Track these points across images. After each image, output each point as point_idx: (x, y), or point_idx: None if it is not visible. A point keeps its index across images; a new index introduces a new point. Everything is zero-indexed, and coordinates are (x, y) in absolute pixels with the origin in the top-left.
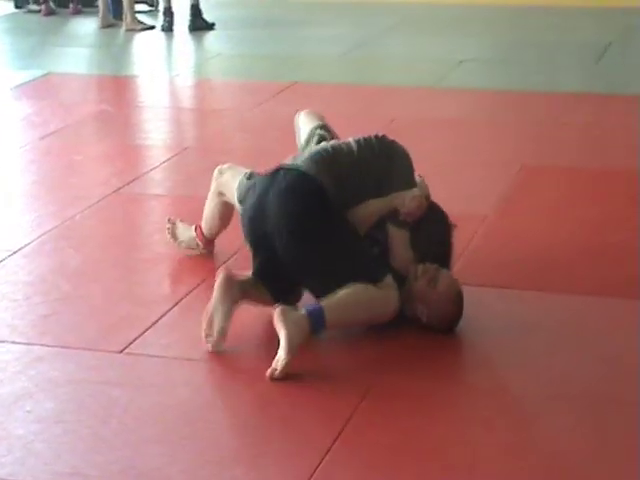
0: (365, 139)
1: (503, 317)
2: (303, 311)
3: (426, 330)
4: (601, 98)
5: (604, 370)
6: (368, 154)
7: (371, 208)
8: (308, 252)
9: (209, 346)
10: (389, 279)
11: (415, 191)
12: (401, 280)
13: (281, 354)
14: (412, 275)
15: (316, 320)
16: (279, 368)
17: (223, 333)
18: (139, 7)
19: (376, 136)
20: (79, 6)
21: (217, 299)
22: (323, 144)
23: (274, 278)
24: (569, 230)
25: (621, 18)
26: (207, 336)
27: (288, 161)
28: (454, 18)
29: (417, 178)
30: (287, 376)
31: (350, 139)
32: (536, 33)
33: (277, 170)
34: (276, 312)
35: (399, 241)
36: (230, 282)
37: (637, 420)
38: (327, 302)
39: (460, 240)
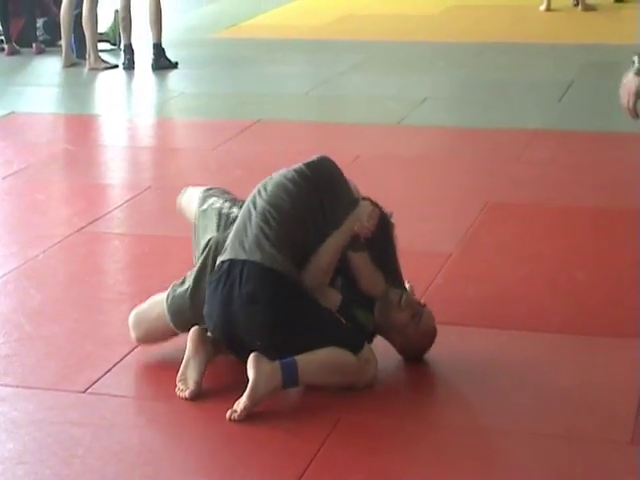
0: (293, 182)
1: (467, 355)
2: (277, 363)
3: (393, 367)
4: (563, 135)
5: (568, 407)
6: (305, 198)
7: (333, 247)
8: (287, 344)
9: (185, 394)
10: (368, 351)
11: (364, 207)
12: (371, 301)
13: (243, 398)
14: (393, 302)
15: (289, 374)
16: (238, 411)
17: (198, 386)
18: (101, 46)
19: (299, 171)
20: (42, 45)
21: (190, 353)
22: (256, 212)
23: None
24: (533, 267)
25: (581, 55)
26: (180, 389)
27: (230, 245)
28: (417, 56)
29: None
30: (252, 413)
31: (275, 189)
32: (499, 71)
33: (229, 266)
34: (250, 358)
35: (362, 264)
36: (203, 337)
37: (605, 456)
38: (302, 358)
39: (423, 278)
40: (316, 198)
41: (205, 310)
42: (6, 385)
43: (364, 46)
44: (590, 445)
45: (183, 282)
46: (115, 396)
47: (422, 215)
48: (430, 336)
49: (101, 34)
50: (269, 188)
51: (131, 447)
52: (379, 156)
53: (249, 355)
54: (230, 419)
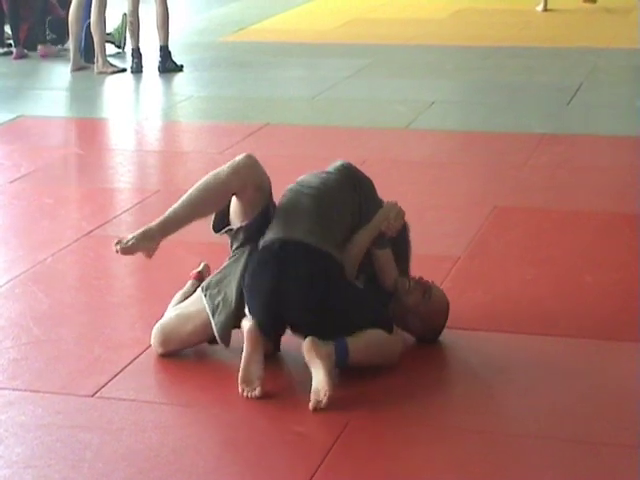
0: (337, 177)
1: (476, 359)
2: (331, 345)
3: (402, 371)
4: (572, 138)
5: (576, 410)
6: (349, 192)
7: (361, 243)
8: (337, 320)
9: (255, 394)
10: (397, 331)
11: (391, 206)
12: (388, 297)
13: (322, 385)
14: (402, 289)
15: (341, 355)
16: (324, 399)
17: (263, 382)
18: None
19: (339, 170)
20: (50, 45)
21: (250, 351)
22: (306, 198)
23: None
24: (541, 271)
25: (589, 58)
26: (245, 390)
27: (278, 225)
28: (425, 59)
29: None
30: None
31: (322, 182)
32: (508, 74)
33: (282, 246)
34: (306, 343)
35: (388, 261)
36: (259, 334)
37: (613, 460)
38: (351, 339)
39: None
40: (356, 193)
41: (248, 287)
42: (14, 389)
43: (372, 50)
44: (598, 449)
45: (219, 292)
46: (124, 400)
47: (430, 219)
48: (443, 311)
49: (107, 34)
50: (316, 184)
51: (140, 451)
52: (387, 160)
53: (285, 333)
54: (317, 409)
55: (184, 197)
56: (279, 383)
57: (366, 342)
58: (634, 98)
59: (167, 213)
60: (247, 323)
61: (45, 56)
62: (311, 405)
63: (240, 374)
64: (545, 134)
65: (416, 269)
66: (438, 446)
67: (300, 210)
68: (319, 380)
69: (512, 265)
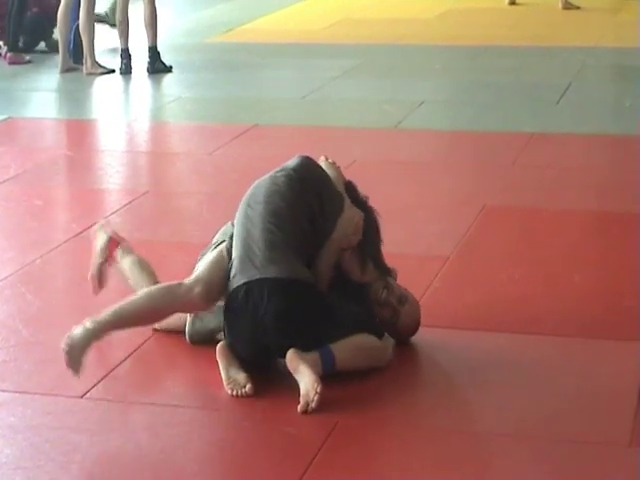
0: (286, 186)
1: (465, 358)
2: (316, 353)
3: (390, 371)
4: (561, 138)
5: (566, 409)
6: (301, 201)
7: (325, 261)
8: (323, 342)
9: (245, 391)
10: (387, 336)
11: (348, 221)
12: (359, 294)
13: (311, 387)
14: (376, 296)
15: (327, 362)
16: (315, 399)
17: (249, 379)
18: (100, 27)
19: (288, 175)
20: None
21: (226, 365)
22: (255, 226)
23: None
24: (530, 270)
25: (578, 57)
26: (234, 390)
27: (238, 268)
28: (414, 60)
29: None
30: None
31: (270, 198)
32: (496, 74)
33: (246, 291)
34: (289, 355)
35: (349, 259)
36: (229, 350)
37: (603, 459)
38: (336, 346)
39: (421, 282)
40: (311, 199)
41: (230, 339)
42: (3, 391)
43: (360, 50)
44: (588, 448)
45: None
46: (112, 401)
47: (419, 219)
48: (407, 334)
49: (98, 15)
50: (261, 198)
51: (129, 452)
52: (376, 160)
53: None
54: (306, 411)
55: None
56: (267, 384)
57: (352, 346)
58: (623, 97)
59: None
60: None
61: (13, 64)
62: (300, 408)
63: (224, 379)
64: (534, 133)
65: (405, 269)
66: (427, 446)
67: (254, 241)
68: (306, 382)
69: (501, 264)
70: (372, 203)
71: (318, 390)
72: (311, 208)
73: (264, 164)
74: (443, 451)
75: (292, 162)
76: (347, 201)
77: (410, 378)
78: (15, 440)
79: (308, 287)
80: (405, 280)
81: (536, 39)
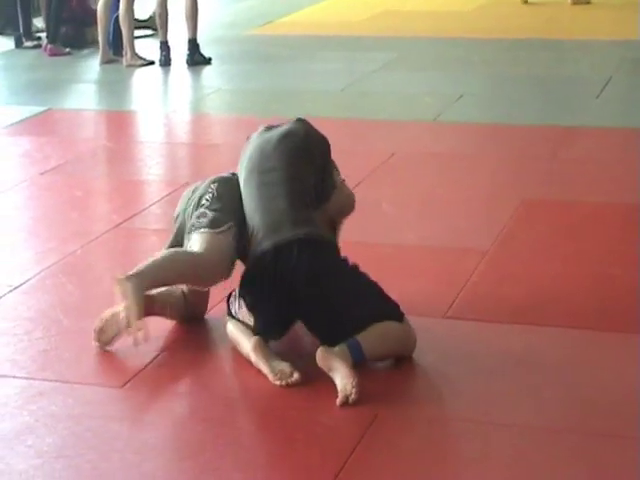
0: (299, 149)
1: (503, 352)
2: (343, 345)
3: (430, 363)
4: (601, 131)
5: (601, 402)
6: (314, 162)
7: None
8: (349, 313)
9: (293, 379)
10: (407, 319)
11: (348, 194)
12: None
13: (346, 381)
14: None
15: (356, 352)
16: (354, 392)
17: (295, 372)
18: (144, 32)
19: (297, 137)
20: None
21: (265, 358)
22: (276, 186)
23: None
24: (568, 264)
25: (619, 51)
26: (282, 380)
27: (264, 232)
28: (453, 52)
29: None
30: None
31: (286, 160)
32: (536, 67)
33: (275, 254)
34: (319, 354)
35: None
36: (265, 347)
37: None
38: (362, 335)
39: (459, 275)
40: (319, 163)
41: (251, 302)
42: (45, 380)
43: (399, 42)
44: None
45: None
46: (152, 391)
47: (457, 212)
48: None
49: (145, 21)
50: (276, 164)
51: (170, 442)
52: (415, 153)
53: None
54: (345, 404)
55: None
56: (304, 375)
57: (378, 335)
58: None
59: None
60: (248, 343)
61: (54, 55)
62: (339, 402)
63: (267, 371)
64: (574, 127)
65: (443, 262)
66: (468, 440)
67: (277, 207)
68: (343, 377)
69: (540, 258)
70: (411, 195)
71: (355, 383)
72: (319, 172)
73: None
74: (483, 444)
75: (294, 127)
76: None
77: (448, 371)
78: (56, 429)
79: (335, 248)
80: (444, 273)
81: (575, 32)
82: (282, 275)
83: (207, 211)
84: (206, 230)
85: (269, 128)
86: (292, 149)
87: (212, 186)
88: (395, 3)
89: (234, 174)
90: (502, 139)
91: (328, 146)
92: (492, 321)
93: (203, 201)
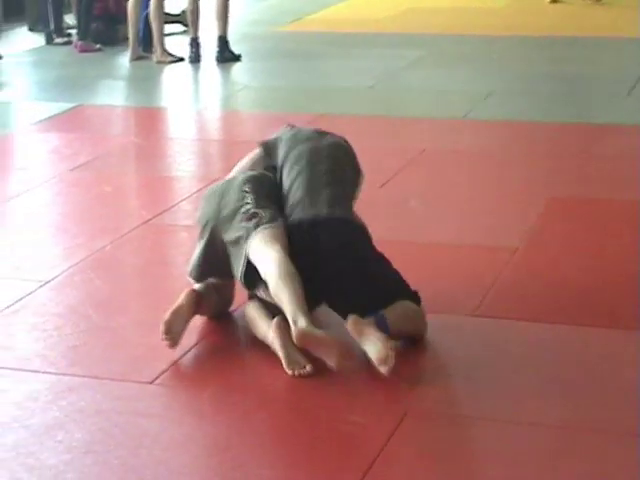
0: (344, 153)
1: (533, 350)
2: (371, 319)
3: (459, 361)
4: (631, 129)
5: (632, 403)
6: (353, 165)
7: None
8: (367, 289)
9: (307, 369)
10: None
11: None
12: None
13: (381, 346)
14: None
15: (382, 325)
16: (391, 354)
17: (309, 364)
18: (175, 28)
19: (343, 145)
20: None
21: (284, 343)
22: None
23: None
24: (598, 262)
25: None
26: (295, 370)
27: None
28: (481, 50)
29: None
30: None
31: (332, 158)
32: (565, 64)
33: (311, 224)
34: (351, 319)
35: None
36: (286, 326)
37: None
38: (387, 310)
39: (489, 273)
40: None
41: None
42: (74, 375)
43: (427, 39)
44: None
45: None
46: (181, 387)
47: (488, 209)
48: None
49: (176, 15)
50: (324, 157)
51: (197, 439)
52: (444, 150)
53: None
54: (388, 364)
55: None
56: (332, 372)
57: (402, 313)
58: None
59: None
60: (267, 324)
61: (84, 52)
62: (382, 368)
63: (283, 358)
64: (604, 124)
65: (473, 260)
66: (500, 438)
67: (318, 192)
68: (376, 343)
69: (569, 256)
70: (440, 192)
71: (391, 346)
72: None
73: None
74: (513, 444)
75: (340, 141)
76: None
77: (478, 369)
78: (85, 424)
79: (366, 232)
80: (473, 271)
81: (605, 29)
82: (315, 246)
83: (258, 210)
84: (268, 226)
85: (318, 133)
86: (340, 158)
87: (247, 187)
88: (422, 0)
89: (262, 173)
90: (532, 137)
91: (362, 176)
92: (522, 319)
93: (246, 202)
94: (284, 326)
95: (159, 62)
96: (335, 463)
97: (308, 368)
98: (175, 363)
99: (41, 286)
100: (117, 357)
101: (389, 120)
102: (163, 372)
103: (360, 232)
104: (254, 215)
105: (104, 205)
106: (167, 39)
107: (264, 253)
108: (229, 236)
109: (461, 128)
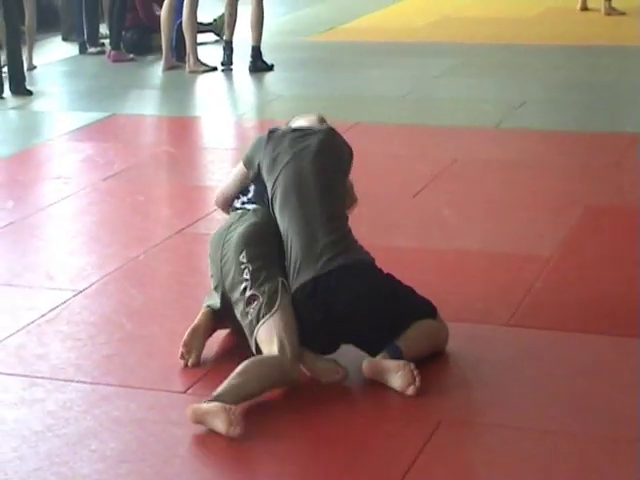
0: (335, 166)
1: (567, 360)
2: (384, 353)
3: (493, 372)
4: None
5: None
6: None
7: None
8: (396, 321)
9: (340, 376)
10: (439, 315)
11: (351, 185)
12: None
13: (402, 370)
14: None
15: (397, 356)
16: (416, 373)
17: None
18: (207, 37)
19: (340, 147)
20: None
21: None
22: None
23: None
24: (632, 271)
25: None
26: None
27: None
28: (515, 59)
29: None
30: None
31: (325, 177)
32: (598, 73)
33: (317, 283)
34: (365, 364)
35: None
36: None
37: None
38: (400, 340)
39: (522, 282)
40: (346, 169)
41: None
42: (108, 384)
43: (461, 49)
44: None
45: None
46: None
47: (520, 218)
48: None
49: (208, 24)
50: (310, 178)
51: (230, 450)
52: (477, 159)
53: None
54: (417, 384)
55: None
56: (365, 383)
57: (415, 336)
58: None
59: None
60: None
61: (117, 62)
62: (408, 391)
63: (315, 370)
64: (638, 133)
65: (506, 269)
66: (534, 448)
67: (309, 229)
68: (398, 368)
69: (604, 265)
70: (473, 202)
71: (411, 368)
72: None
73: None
74: (549, 453)
75: (325, 138)
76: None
77: (512, 378)
78: (119, 433)
79: (368, 264)
80: (506, 280)
81: (635, 39)
82: (323, 304)
83: (255, 292)
84: (267, 317)
85: (299, 134)
86: (326, 164)
87: (242, 257)
88: (455, 10)
89: (256, 226)
90: (565, 146)
91: (352, 154)
92: (556, 329)
93: (245, 279)
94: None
95: (192, 71)
96: (370, 473)
97: (341, 372)
98: (208, 373)
99: (75, 295)
100: (150, 366)
101: (422, 129)
102: (196, 381)
103: (368, 265)
104: (253, 298)
105: (137, 214)
106: (199, 48)
107: (265, 348)
108: (237, 315)
109: (494, 137)
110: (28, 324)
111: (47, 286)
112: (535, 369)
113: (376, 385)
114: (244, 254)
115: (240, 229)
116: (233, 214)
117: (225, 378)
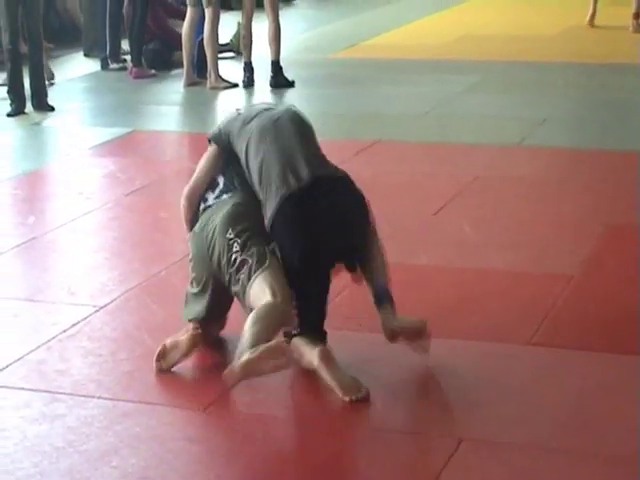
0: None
1: (590, 380)
2: (386, 306)
3: (516, 389)
4: None
5: None
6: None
7: None
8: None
9: (362, 394)
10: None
11: None
12: None
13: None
14: None
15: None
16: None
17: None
18: (225, 53)
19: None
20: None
21: (333, 369)
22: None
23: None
24: None
25: None
26: (353, 396)
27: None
28: (536, 76)
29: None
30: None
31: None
32: (618, 91)
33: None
34: (385, 324)
35: None
36: (330, 353)
37: None
38: (382, 278)
39: (545, 300)
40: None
41: (284, 253)
42: (128, 401)
43: (482, 66)
44: None
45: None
46: (235, 414)
47: (542, 236)
48: None
49: (225, 44)
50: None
51: (250, 466)
52: (499, 177)
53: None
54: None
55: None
56: (384, 399)
57: (381, 263)
58: None
59: None
60: (313, 352)
61: (138, 78)
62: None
63: (336, 385)
64: None
65: (528, 287)
66: (558, 470)
67: (294, 159)
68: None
69: (626, 284)
70: (494, 219)
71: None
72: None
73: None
74: (571, 474)
75: (295, 111)
76: None
77: (534, 397)
78: (139, 450)
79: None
80: (528, 298)
81: None
82: (312, 215)
83: (246, 257)
84: (258, 273)
85: (267, 106)
86: (302, 125)
87: (229, 234)
88: (476, 27)
89: (231, 196)
90: (587, 164)
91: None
92: (578, 348)
93: (233, 252)
94: (327, 354)
95: (213, 88)
96: None
97: (364, 391)
98: (227, 391)
99: (97, 311)
100: (171, 383)
101: (443, 146)
102: (216, 399)
103: (347, 179)
104: (243, 263)
105: (159, 230)
106: (221, 65)
107: (258, 301)
108: (231, 289)
109: (515, 155)
110: (49, 340)
111: (68, 302)
112: (557, 388)
113: (398, 401)
114: (230, 231)
115: (222, 212)
116: (209, 210)
117: (244, 395)
